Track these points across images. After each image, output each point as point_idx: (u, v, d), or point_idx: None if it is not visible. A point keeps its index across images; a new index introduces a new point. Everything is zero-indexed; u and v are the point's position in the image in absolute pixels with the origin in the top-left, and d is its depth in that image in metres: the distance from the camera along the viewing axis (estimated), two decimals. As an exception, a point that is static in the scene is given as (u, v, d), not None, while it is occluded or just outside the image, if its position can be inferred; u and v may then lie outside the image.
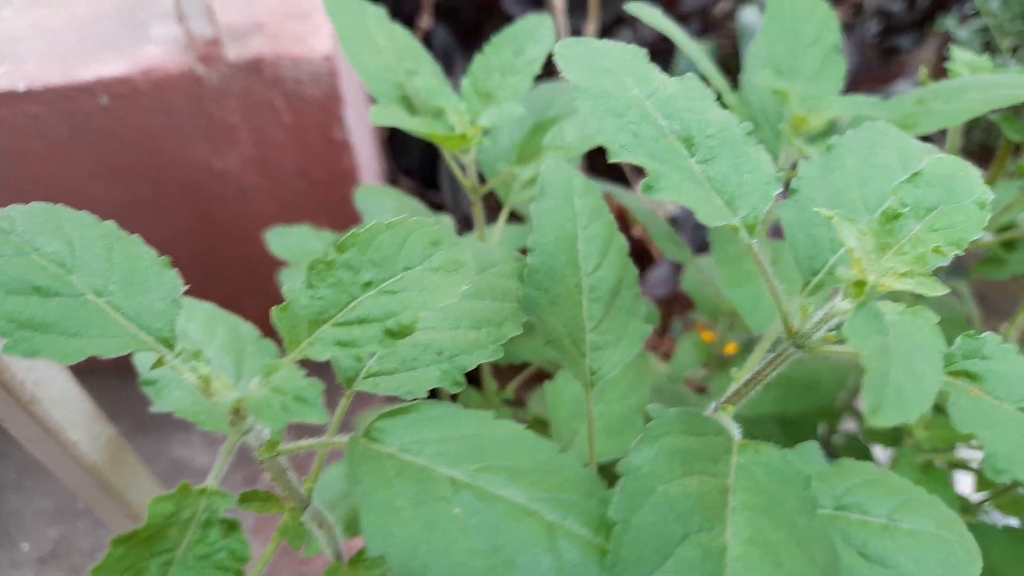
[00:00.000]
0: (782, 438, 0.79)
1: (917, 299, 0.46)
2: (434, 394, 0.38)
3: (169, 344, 0.32)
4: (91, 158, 0.98)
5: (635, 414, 0.57)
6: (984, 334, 0.31)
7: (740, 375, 0.36)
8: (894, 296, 0.32)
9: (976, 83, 0.56)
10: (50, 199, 0.94)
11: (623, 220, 1.58)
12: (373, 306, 0.30)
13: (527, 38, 0.58)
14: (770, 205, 0.33)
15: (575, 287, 0.45)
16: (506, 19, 1.54)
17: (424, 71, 0.60)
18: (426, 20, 1.35)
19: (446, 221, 0.79)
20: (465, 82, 0.58)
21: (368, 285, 0.31)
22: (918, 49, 1.81)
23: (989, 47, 1.63)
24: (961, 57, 0.65)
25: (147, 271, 0.33)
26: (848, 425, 0.94)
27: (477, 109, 0.57)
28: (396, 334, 0.30)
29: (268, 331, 1.18)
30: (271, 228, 0.77)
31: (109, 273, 0.32)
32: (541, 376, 1.26)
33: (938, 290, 0.29)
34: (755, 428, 0.82)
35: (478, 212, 0.62)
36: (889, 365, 0.24)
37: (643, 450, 0.28)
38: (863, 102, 0.57)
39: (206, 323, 0.56)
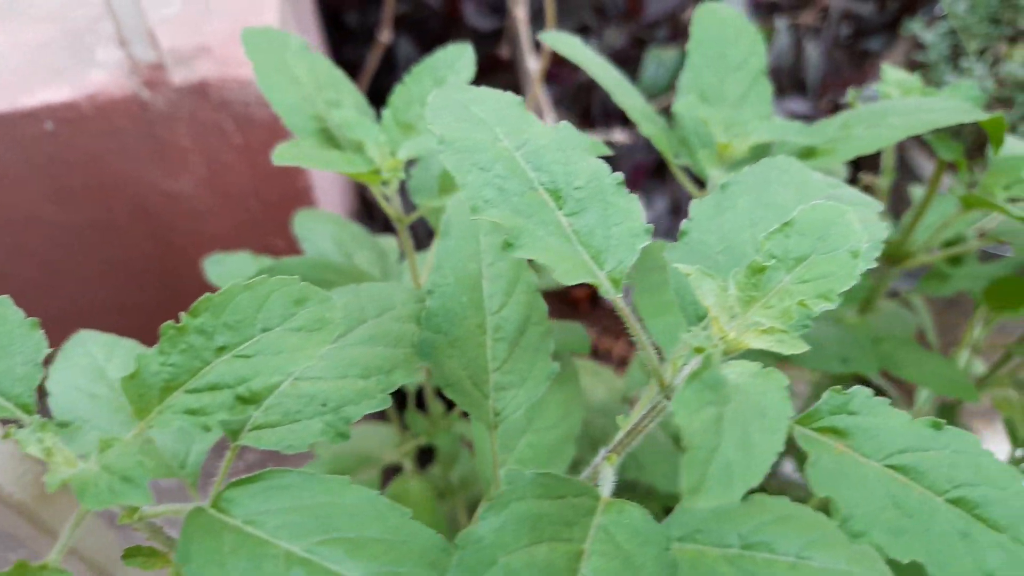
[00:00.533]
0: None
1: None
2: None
3: (28, 410, 0.32)
4: (41, 182, 0.97)
5: (565, 443, 0.56)
6: (852, 388, 0.31)
7: (624, 424, 0.35)
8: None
9: (899, 107, 0.56)
10: (2, 222, 0.92)
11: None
12: (225, 372, 0.30)
13: (447, 68, 0.57)
14: (636, 254, 0.32)
15: (478, 328, 0.44)
16: (470, 31, 1.54)
17: (347, 102, 0.59)
18: (386, 34, 1.34)
19: (389, 244, 0.78)
20: (386, 113, 0.57)
21: (222, 350, 0.30)
22: (888, 51, 1.81)
23: (956, 50, 1.62)
24: (891, 77, 0.64)
25: (12, 333, 0.33)
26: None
27: (398, 140, 0.56)
28: (248, 400, 0.29)
29: None
30: (211, 255, 0.77)
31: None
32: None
33: (799, 347, 0.29)
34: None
35: (405, 241, 0.61)
36: (720, 439, 0.23)
37: (489, 519, 0.28)
38: (786, 128, 0.56)
39: (124, 363, 0.56)
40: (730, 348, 0.30)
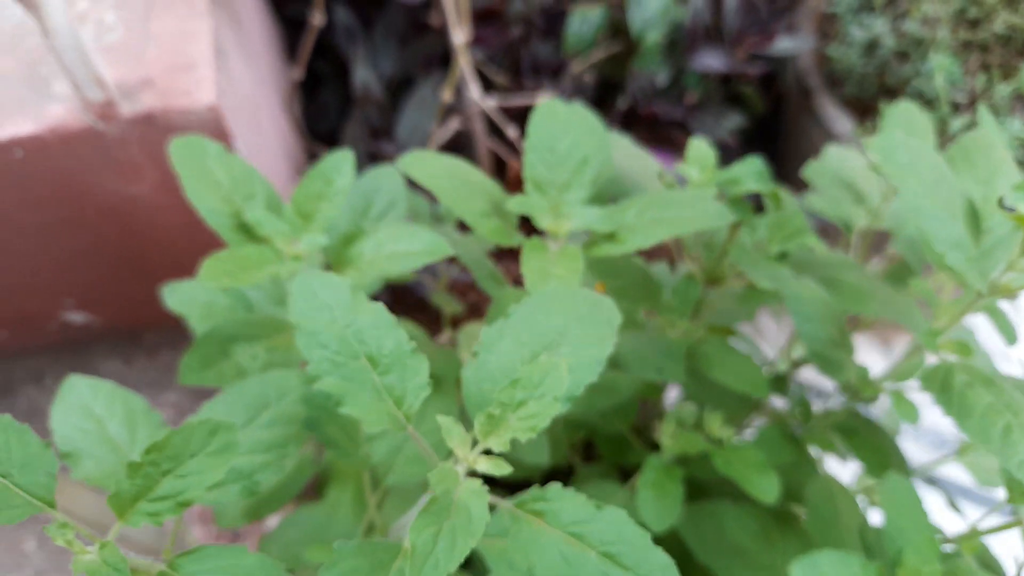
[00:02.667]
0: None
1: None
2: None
3: (51, 505, 0.51)
4: (13, 194, 1.13)
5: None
6: (549, 484, 0.51)
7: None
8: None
9: (680, 199, 0.73)
10: None
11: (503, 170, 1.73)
12: (169, 488, 0.49)
13: (335, 171, 0.74)
14: (421, 400, 0.51)
15: (351, 399, 0.64)
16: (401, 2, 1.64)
17: (259, 193, 0.76)
18: (318, 17, 1.46)
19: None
20: (288, 208, 0.74)
21: (166, 472, 0.49)
22: (803, 3, 1.92)
23: (866, 2, 1.74)
24: (694, 154, 0.81)
25: (34, 455, 0.51)
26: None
27: (300, 230, 0.74)
28: (183, 505, 0.48)
29: None
30: (167, 284, 0.94)
31: (9, 459, 0.51)
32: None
33: (504, 470, 0.48)
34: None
35: None
36: (435, 546, 0.43)
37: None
38: (593, 215, 0.73)
39: (108, 401, 0.75)
40: (470, 468, 0.49)
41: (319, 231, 0.72)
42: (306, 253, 0.71)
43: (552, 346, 0.58)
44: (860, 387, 0.83)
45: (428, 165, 0.72)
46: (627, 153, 0.96)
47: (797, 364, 1.10)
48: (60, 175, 1.11)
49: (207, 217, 0.72)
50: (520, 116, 1.81)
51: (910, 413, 0.80)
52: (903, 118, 0.95)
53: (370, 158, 1.57)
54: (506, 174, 1.75)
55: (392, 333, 0.52)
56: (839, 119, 1.84)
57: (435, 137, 1.62)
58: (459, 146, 1.80)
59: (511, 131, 1.62)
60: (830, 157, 1.05)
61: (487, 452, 0.50)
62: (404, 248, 0.70)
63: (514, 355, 0.57)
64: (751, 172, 0.79)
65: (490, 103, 1.59)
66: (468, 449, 0.50)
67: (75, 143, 1.07)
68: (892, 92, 1.82)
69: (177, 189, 1.19)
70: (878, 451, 0.94)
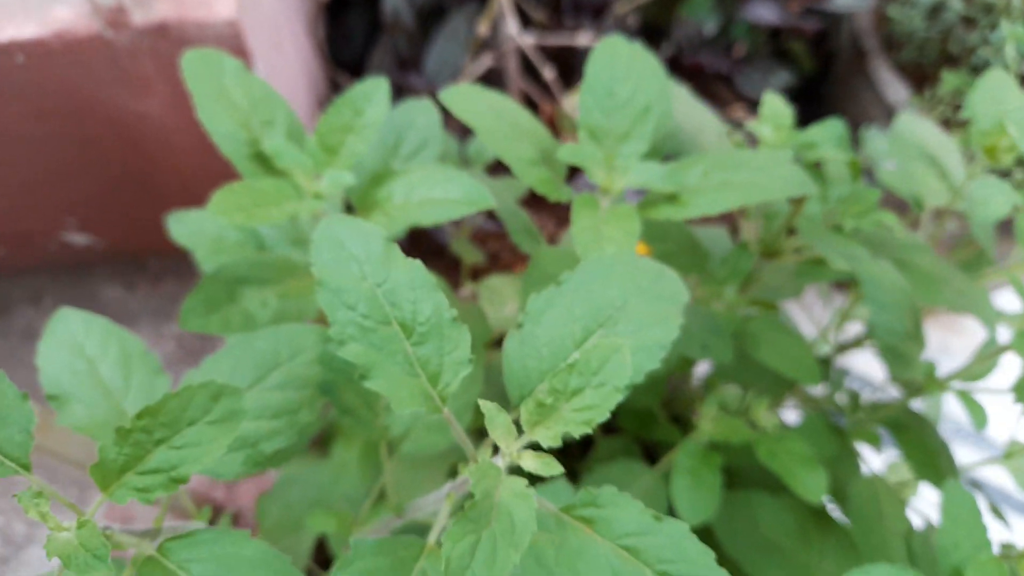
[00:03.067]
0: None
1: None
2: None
3: (26, 468, 0.44)
4: (19, 104, 1.04)
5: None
6: (603, 487, 0.43)
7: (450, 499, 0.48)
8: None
9: (753, 162, 0.64)
10: None
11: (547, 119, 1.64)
12: (162, 460, 0.42)
13: (365, 101, 0.65)
14: (460, 379, 0.44)
15: (373, 363, 0.56)
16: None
17: (279, 121, 0.67)
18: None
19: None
20: (311, 140, 0.66)
21: (159, 442, 0.42)
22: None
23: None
24: (768, 111, 0.72)
25: (8, 406, 0.44)
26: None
27: (323, 163, 0.65)
28: (177, 481, 0.41)
29: None
30: (172, 213, 0.86)
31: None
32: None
33: (555, 470, 0.41)
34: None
35: None
36: (472, 560, 0.36)
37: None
38: (654, 172, 0.65)
39: (102, 340, 0.67)
40: (512, 464, 0.42)
41: (345, 167, 0.64)
42: (329, 192, 0.63)
43: (609, 323, 0.50)
44: (925, 385, 0.75)
45: (473, 101, 0.63)
46: (686, 105, 0.87)
47: (843, 348, 1.02)
48: (64, 85, 1.02)
49: (220, 142, 0.64)
50: (557, 56, 1.71)
51: (980, 417, 0.73)
52: (994, 88, 0.86)
53: (396, 90, 1.47)
54: (539, 116, 1.65)
55: (431, 296, 0.44)
56: (894, 85, 1.73)
57: (467, 72, 1.52)
58: (489, 84, 1.70)
59: (547, 72, 1.52)
60: (904, 127, 0.95)
61: (533, 446, 0.43)
62: (440, 195, 0.61)
63: (564, 330, 0.50)
64: (830, 136, 0.71)
65: (528, 40, 1.49)
66: (512, 441, 0.42)
67: (82, 50, 0.98)
68: (954, 61, 1.70)
69: (189, 109, 1.10)
70: (928, 451, 0.87)
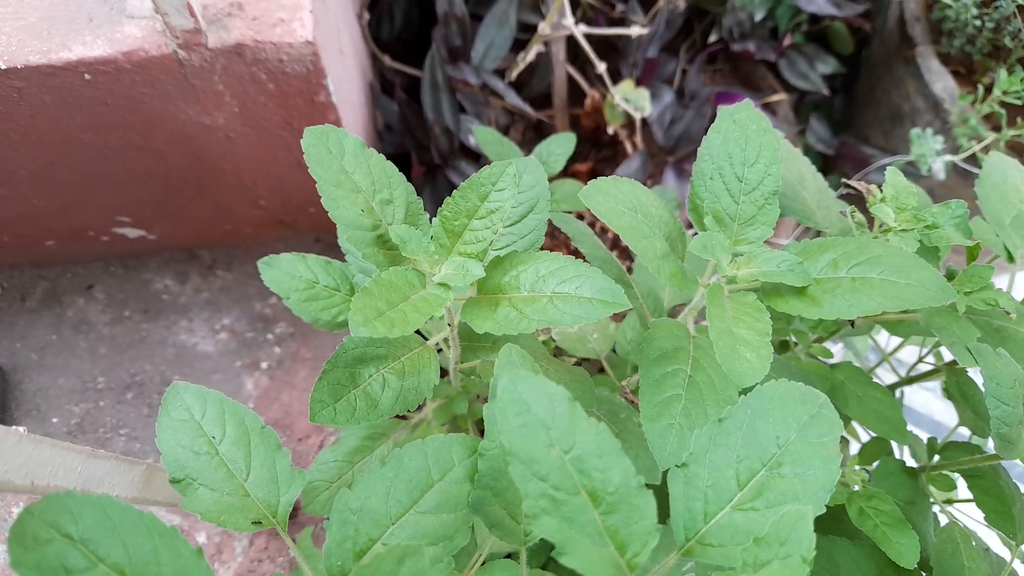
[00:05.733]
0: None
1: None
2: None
3: None
4: (79, 118, 1.01)
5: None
6: None
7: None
8: None
9: (885, 259, 0.63)
10: (41, 148, 0.98)
11: (599, 112, 1.61)
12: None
13: (490, 184, 0.63)
14: (648, 549, 0.44)
15: (515, 475, 0.57)
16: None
17: (398, 199, 0.66)
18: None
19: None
20: (435, 222, 0.64)
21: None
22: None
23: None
24: (890, 191, 0.70)
25: (187, 566, 0.45)
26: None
27: (447, 250, 0.64)
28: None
29: (260, 228, 1.29)
30: (263, 259, 0.84)
31: (159, 573, 0.44)
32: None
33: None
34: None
35: (454, 347, 0.71)
36: None
37: None
38: (782, 263, 0.64)
39: (218, 416, 0.67)
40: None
41: (471, 255, 0.63)
42: (455, 282, 0.62)
43: (772, 464, 0.50)
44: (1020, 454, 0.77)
45: (611, 197, 0.62)
46: (784, 152, 0.85)
47: (909, 381, 1.03)
48: (131, 101, 0.99)
49: (345, 231, 0.62)
50: (603, 40, 1.66)
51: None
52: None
53: (447, 83, 1.43)
54: (584, 105, 1.62)
55: (618, 463, 0.44)
56: (941, 76, 1.69)
57: (517, 61, 1.48)
58: (534, 68, 1.65)
59: (600, 65, 1.48)
60: (993, 168, 0.94)
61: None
62: (571, 290, 0.61)
63: (728, 471, 0.50)
64: (952, 218, 0.70)
65: (581, 29, 1.44)
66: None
67: (151, 70, 0.94)
68: (1005, 54, 1.67)
69: (258, 123, 1.07)
70: (1002, 500, 0.89)
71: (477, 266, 0.62)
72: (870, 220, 0.74)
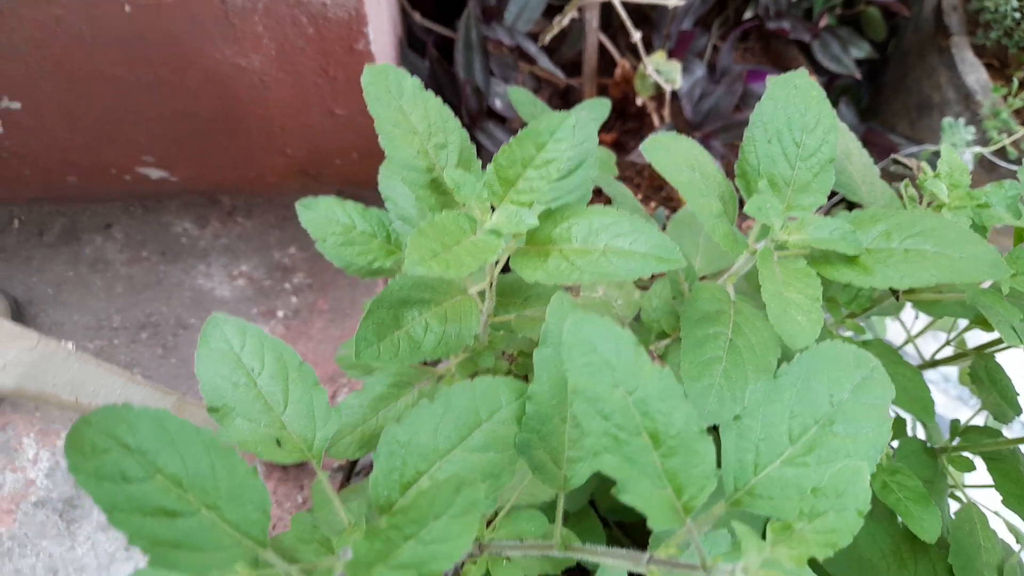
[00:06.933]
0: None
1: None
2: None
3: (263, 545, 0.45)
4: (115, 51, 1.00)
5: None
6: None
7: None
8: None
9: (939, 232, 0.63)
10: (73, 80, 0.97)
11: (629, 84, 1.59)
12: (412, 555, 0.42)
13: (548, 134, 0.63)
14: (707, 494, 0.44)
15: (560, 421, 0.57)
16: None
17: (452, 143, 0.65)
18: None
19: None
20: (490, 169, 0.64)
21: (408, 538, 0.43)
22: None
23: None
24: (946, 167, 0.70)
25: (243, 484, 0.45)
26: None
27: (499, 198, 0.64)
28: (427, 576, 0.42)
29: (284, 177, 1.29)
30: (302, 200, 0.84)
31: (216, 488, 0.44)
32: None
33: (803, 587, 0.42)
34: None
35: (490, 300, 0.71)
36: None
37: None
38: (834, 230, 0.64)
39: (255, 350, 0.67)
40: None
41: (524, 204, 0.62)
42: (507, 230, 0.61)
43: (825, 422, 0.50)
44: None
45: (671, 153, 0.61)
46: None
47: (933, 364, 1.04)
48: (168, 37, 0.98)
49: (400, 172, 0.62)
50: (638, 14, 1.64)
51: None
52: None
53: (480, 43, 1.42)
54: (613, 74, 1.60)
55: (681, 408, 0.44)
56: (975, 68, 1.68)
57: (550, 28, 1.46)
58: (565, 34, 1.64)
59: (635, 34, 1.47)
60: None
61: (770, 563, 0.44)
62: (625, 245, 0.60)
63: (781, 426, 0.50)
64: (1004, 198, 0.69)
65: (619, -4, 1.43)
66: (756, 555, 0.43)
67: (193, 5, 0.93)
68: (1042, 48, 1.65)
69: (294, 68, 1.06)
70: (1021, 484, 0.90)
71: (531, 214, 0.61)
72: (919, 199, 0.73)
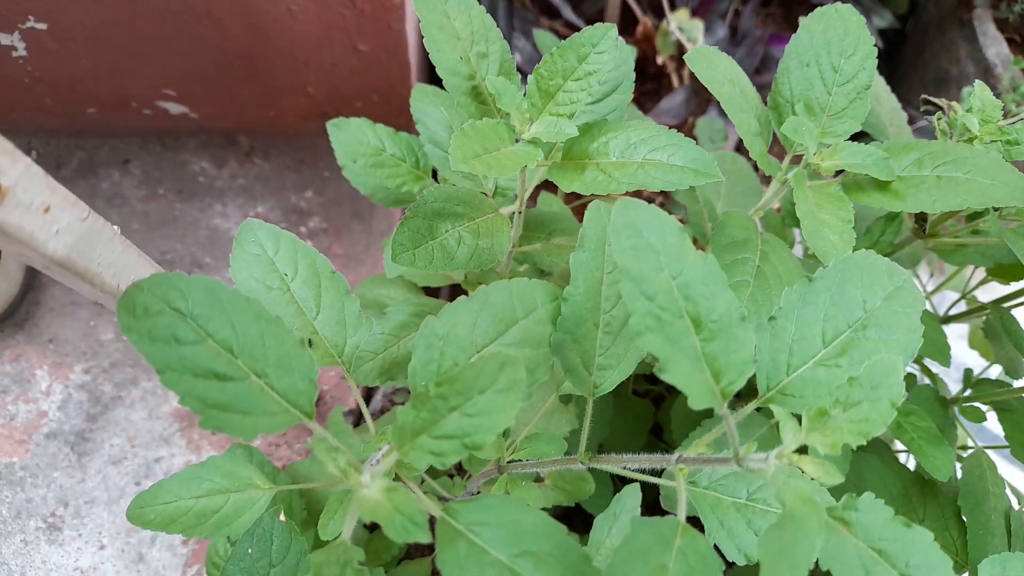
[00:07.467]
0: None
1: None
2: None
3: (310, 416, 0.45)
4: (146, -28, 1.00)
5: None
6: (863, 495, 0.46)
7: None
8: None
9: (971, 160, 0.64)
10: (101, 4, 0.97)
11: (651, 43, 1.59)
12: (456, 426, 0.43)
13: (590, 46, 0.63)
14: (745, 380, 0.45)
15: (594, 326, 0.57)
16: None
17: (493, 53, 0.66)
18: None
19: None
20: (531, 79, 0.64)
21: (453, 408, 0.43)
22: None
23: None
24: (977, 102, 0.70)
25: (290, 353, 0.45)
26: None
27: (538, 109, 0.64)
28: (470, 448, 0.43)
29: (304, 118, 1.28)
30: (333, 120, 0.84)
31: (264, 355, 0.44)
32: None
33: (835, 478, 0.43)
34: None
35: (517, 227, 0.71)
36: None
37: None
38: (867, 156, 0.64)
39: (288, 256, 0.68)
40: (791, 463, 0.44)
41: (563, 115, 0.63)
42: (547, 139, 0.62)
43: (858, 326, 0.51)
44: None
45: (713, 65, 0.62)
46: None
47: (946, 320, 1.05)
48: (201, -41, 0.98)
49: (444, 76, 0.62)
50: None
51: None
52: None
53: (506, -10, 1.42)
54: (635, 32, 1.60)
55: (723, 294, 0.45)
56: (996, 41, 1.68)
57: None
58: (588, -10, 1.63)
59: (658, -13, 1.46)
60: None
61: (803, 450, 0.45)
62: (662, 158, 0.61)
63: (815, 328, 0.51)
64: (1035, 135, 0.70)
65: (645, -49, 1.42)
66: (793, 439, 0.44)
67: (228, -74, 0.93)
68: (1065, 23, 1.65)
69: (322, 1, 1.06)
70: (1029, 434, 0.91)
71: (570, 125, 0.62)
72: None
